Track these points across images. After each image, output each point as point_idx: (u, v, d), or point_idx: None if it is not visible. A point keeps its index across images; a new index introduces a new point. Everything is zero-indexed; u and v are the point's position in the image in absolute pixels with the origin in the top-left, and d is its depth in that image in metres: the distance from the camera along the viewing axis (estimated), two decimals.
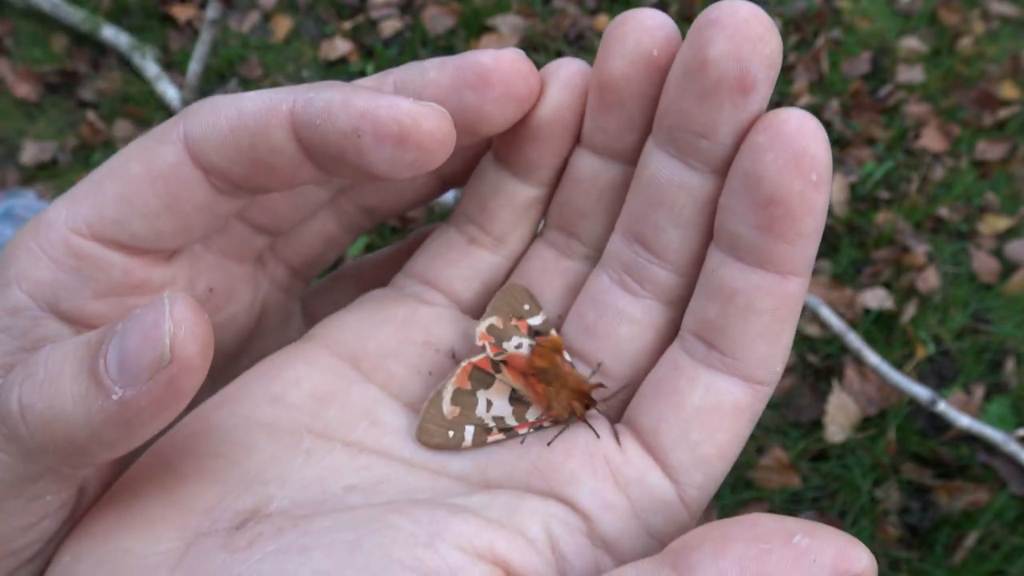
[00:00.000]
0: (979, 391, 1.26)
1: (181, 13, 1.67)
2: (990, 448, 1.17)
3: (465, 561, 0.22)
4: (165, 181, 0.25)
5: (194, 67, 1.28)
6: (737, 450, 0.25)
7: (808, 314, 1.26)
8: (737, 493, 1.17)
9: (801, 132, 0.22)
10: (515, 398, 0.28)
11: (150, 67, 1.51)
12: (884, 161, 1.56)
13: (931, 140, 1.58)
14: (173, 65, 1.59)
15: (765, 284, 0.24)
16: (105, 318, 0.26)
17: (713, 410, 0.25)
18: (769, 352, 0.24)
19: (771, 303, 0.24)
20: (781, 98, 1.65)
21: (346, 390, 0.27)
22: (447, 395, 0.27)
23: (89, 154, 1.49)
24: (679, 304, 0.27)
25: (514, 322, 0.29)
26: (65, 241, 0.25)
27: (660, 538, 0.24)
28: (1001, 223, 1.46)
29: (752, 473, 1.18)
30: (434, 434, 0.26)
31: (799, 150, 0.22)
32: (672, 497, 0.25)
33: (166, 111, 1.50)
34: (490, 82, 0.25)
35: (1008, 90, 1.65)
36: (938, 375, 1.29)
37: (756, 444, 1.21)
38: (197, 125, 0.25)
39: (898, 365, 1.26)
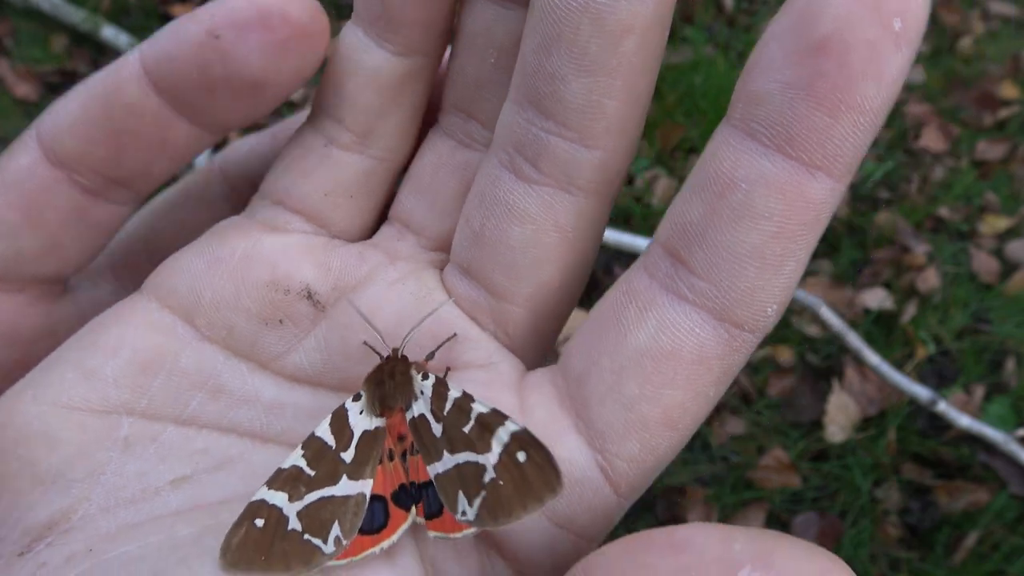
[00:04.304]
0: (979, 391, 1.26)
1: (181, 13, 1.67)
2: (990, 448, 1.17)
3: None
4: (20, 188, 0.21)
5: None
6: (697, 415, 0.19)
7: (808, 314, 1.26)
8: (737, 493, 1.17)
9: None
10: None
11: None
12: (884, 161, 1.55)
13: (931, 140, 1.58)
14: None
15: (778, 177, 0.16)
16: None
17: (664, 358, 0.18)
18: (760, 282, 0.17)
19: (781, 205, 0.17)
20: None
21: (175, 354, 0.22)
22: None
23: None
24: (595, 193, 0.20)
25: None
26: None
27: (570, 526, 0.19)
28: (1001, 223, 1.46)
29: (752, 473, 1.18)
30: None
31: None
32: (591, 472, 0.19)
33: None
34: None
35: (1008, 90, 1.65)
36: (938, 375, 1.29)
37: (756, 444, 1.21)
38: (47, 117, 0.21)
39: (898, 365, 1.26)
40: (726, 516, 1.15)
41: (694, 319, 0.18)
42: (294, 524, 0.20)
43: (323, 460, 0.21)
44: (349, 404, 0.22)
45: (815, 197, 0.16)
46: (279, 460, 0.21)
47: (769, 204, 0.17)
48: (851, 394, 1.24)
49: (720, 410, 1.23)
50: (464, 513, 0.20)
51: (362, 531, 0.20)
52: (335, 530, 0.20)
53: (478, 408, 0.20)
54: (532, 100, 0.19)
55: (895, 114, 1.63)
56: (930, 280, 1.37)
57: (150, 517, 0.20)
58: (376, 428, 0.22)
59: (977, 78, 1.68)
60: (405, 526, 0.20)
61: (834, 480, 1.19)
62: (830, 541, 1.13)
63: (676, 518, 1.14)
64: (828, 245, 1.44)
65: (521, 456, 0.19)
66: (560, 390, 0.20)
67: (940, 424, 1.21)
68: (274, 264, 0.22)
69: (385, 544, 0.20)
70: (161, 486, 0.21)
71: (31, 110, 1.53)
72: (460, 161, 0.23)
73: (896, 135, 1.59)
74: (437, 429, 0.21)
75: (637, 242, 1.16)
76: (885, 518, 1.15)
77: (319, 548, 0.20)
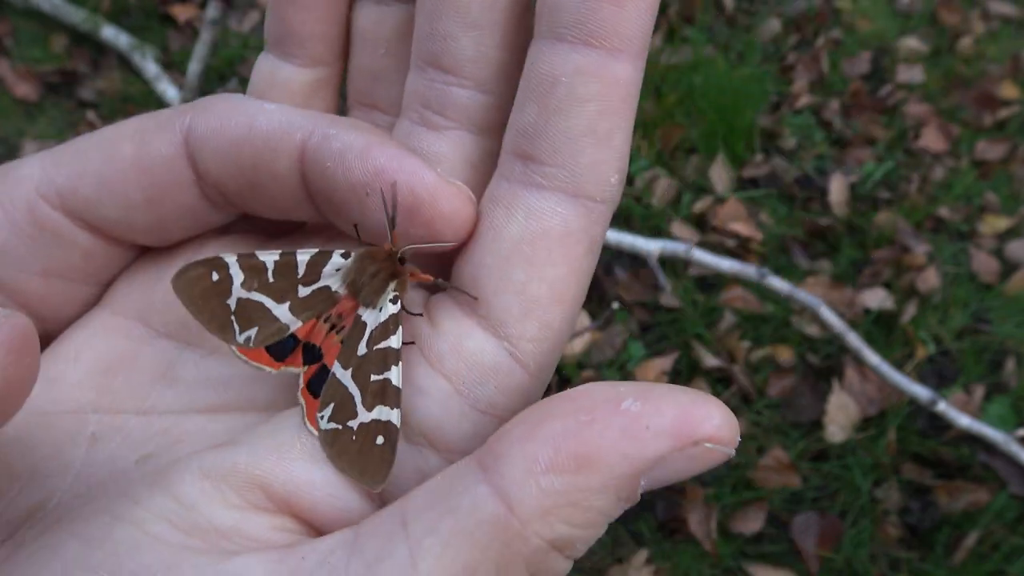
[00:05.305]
0: (979, 391, 1.26)
1: (181, 13, 1.67)
2: (990, 448, 1.17)
3: (236, 517, 0.21)
4: (153, 173, 0.23)
5: (194, 67, 1.28)
6: (579, 287, 0.21)
7: (808, 314, 1.26)
8: (737, 493, 1.17)
9: None
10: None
11: (150, 67, 1.51)
12: (884, 161, 1.56)
13: (931, 140, 1.58)
14: (173, 65, 1.59)
15: (590, 64, 0.20)
16: (43, 302, 0.24)
17: (537, 239, 0.21)
18: (599, 156, 0.20)
19: (597, 88, 0.20)
20: (781, 98, 1.65)
21: (134, 353, 0.24)
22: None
23: None
24: (494, 131, 0.23)
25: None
26: (30, 205, 0.23)
27: (494, 411, 0.21)
28: (1001, 223, 1.46)
29: (752, 473, 1.18)
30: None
31: None
32: (501, 358, 0.21)
33: None
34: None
35: (1008, 90, 1.65)
36: (938, 375, 1.29)
37: (756, 444, 1.21)
38: (204, 123, 0.23)
39: (898, 365, 1.26)
40: (726, 516, 1.15)
41: (553, 200, 0.21)
42: (231, 302, 0.23)
43: (284, 278, 0.23)
44: (336, 257, 0.23)
45: (623, 76, 0.20)
46: (232, 427, 0.23)
47: (589, 88, 0.20)
48: (851, 394, 1.24)
49: None
50: (321, 419, 0.22)
51: (268, 349, 0.23)
52: (250, 333, 0.23)
53: (392, 374, 0.22)
54: (430, 61, 0.23)
55: (895, 114, 1.63)
56: (930, 280, 1.37)
57: (116, 488, 0.22)
58: (335, 292, 0.23)
59: (977, 78, 1.68)
60: (290, 371, 0.23)
61: (834, 480, 1.19)
62: (830, 541, 1.13)
63: (676, 518, 1.14)
64: (828, 245, 1.44)
65: (379, 440, 0.21)
66: (460, 302, 0.22)
67: (940, 424, 1.21)
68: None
69: (272, 371, 0.23)
70: (128, 467, 0.23)
71: (31, 110, 1.53)
72: None
73: (896, 135, 1.60)
74: (362, 349, 0.22)
75: (637, 242, 1.16)
76: (885, 518, 1.15)
77: (233, 334, 0.23)
